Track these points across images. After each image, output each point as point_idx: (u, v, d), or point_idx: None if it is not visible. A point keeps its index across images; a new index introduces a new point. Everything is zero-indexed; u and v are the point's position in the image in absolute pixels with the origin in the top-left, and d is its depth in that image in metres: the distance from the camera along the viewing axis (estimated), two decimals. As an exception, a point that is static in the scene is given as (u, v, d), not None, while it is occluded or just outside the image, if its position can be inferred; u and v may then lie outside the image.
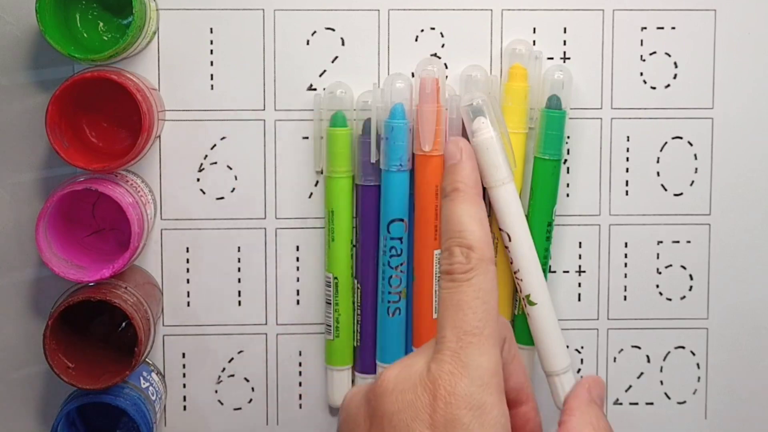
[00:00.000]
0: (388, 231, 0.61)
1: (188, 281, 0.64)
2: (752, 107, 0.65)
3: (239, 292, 0.64)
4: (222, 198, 0.64)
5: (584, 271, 0.65)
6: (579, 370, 0.66)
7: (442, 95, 0.61)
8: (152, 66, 0.63)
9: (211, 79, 0.63)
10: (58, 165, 0.62)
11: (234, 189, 0.64)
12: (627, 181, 0.65)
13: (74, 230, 0.62)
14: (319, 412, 0.66)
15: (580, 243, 0.65)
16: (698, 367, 0.66)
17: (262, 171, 0.64)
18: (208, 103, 0.63)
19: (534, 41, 0.63)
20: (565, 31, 0.64)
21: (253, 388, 0.65)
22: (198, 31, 0.63)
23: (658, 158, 0.65)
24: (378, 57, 0.63)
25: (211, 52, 0.63)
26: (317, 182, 0.64)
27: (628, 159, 0.65)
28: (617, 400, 0.66)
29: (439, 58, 0.63)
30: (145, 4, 0.59)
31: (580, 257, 0.65)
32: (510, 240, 0.61)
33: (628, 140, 0.64)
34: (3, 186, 0.63)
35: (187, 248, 0.64)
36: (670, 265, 0.65)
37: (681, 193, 0.65)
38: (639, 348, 0.66)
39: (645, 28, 0.64)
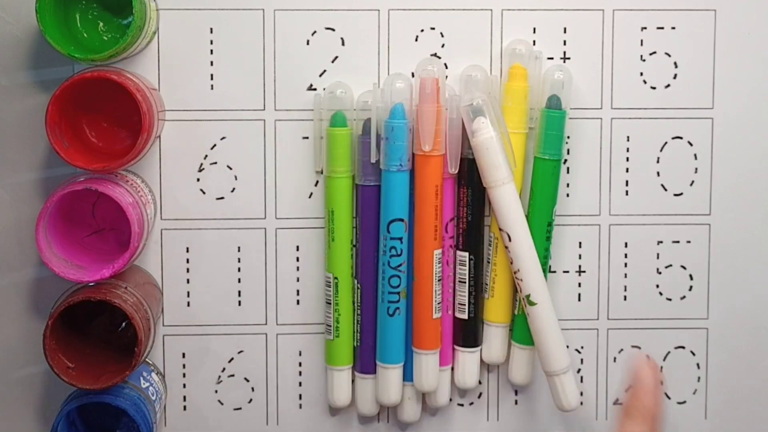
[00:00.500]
0: (388, 231, 0.61)
1: (188, 281, 0.64)
2: (752, 107, 0.65)
3: (239, 292, 0.64)
4: (222, 198, 0.64)
5: (584, 271, 0.65)
6: (579, 370, 0.66)
7: (442, 95, 0.61)
8: (152, 66, 0.63)
9: (211, 79, 0.63)
10: (58, 165, 0.62)
11: (234, 189, 0.64)
12: (627, 181, 0.65)
13: (74, 230, 0.62)
14: (319, 412, 0.66)
15: (580, 243, 0.65)
16: (698, 367, 0.66)
17: (262, 171, 0.64)
18: (208, 103, 0.63)
19: (534, 41, 0.63)
20: (565, 31, 0.64)
21: (253, 388, 0.65)
22: (198, 31, 0.63)
23: (658, 158, 0.65)
24: (378, 57, 0.63)
25: (211, 52, 0.63)
26: (317, 182, 0.64)
27: (628, 159, 0.65)
28: (617, 400, 0.66)
29: (439, 58, 0.63)
30: (145, 4, 0.59)
31: (580, 257, 0.65)
32: (510, 240, 0.61)
33: (628, 140, 0.64)
34: (3, 186, 0.63)
35: (187, 248, 0.64)
36: (670, 265, 0.65)
37: (681, 193, 0.65)
38: (639, 348, 0.66)
39: (645, 28, 0.64)
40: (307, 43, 0.63)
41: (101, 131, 0.62)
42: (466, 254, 0.63)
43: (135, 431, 0.61)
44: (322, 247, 0.64)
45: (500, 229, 0.62)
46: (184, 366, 0.65)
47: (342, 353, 0.63)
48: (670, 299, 0.66)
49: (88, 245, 0.62)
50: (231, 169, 0.64)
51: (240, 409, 0.65)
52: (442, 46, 0.63)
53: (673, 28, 0.64)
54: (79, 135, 0.61)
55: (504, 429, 0.66)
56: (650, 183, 0.65)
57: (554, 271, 0.65)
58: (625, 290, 0.66)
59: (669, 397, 0.66)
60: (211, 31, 0.63)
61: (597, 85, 0.64)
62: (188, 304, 0.64)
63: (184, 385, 0.65)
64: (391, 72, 0.63)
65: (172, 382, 0.65)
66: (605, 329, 0.66)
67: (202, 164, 0.63)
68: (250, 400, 0.65)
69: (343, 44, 0.63)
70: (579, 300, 0.66)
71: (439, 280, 0.62)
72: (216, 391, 0.65)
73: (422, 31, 0.63)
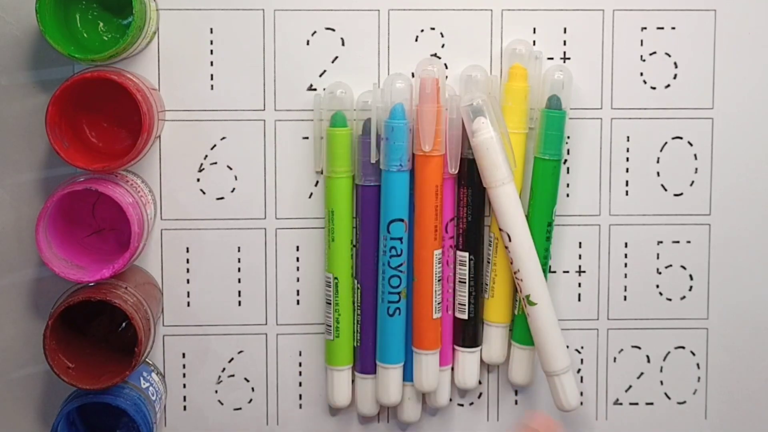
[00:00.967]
0: (388, 231, 0.61)
1: (188, 281, 0.64)
2: (752, 107, 0.65)
3: (239, 292, 0.64)
4: (222, 198, 0.64)
5: (584, 271, 0.65)
6: (579, 370, 0.66)
7: (442, 95, 0.61)
8: (152, 66, 0.63)
9: (211, 79, 0.63)
10: (58, 165, 0.62)
11: (234, 189, 0.64)
12: (627, 181, 0.65)
13: (74, 230, 0.62)
14: (319, 412, 0.66)
15: (580, 243, 0.65)
16: (698, 367, 0.66)
17: (262, 171, 0.64)
18: (208, 103, 0.63)
19: (534, 41, 0.63)
20: (565, 31, 0.64)
21: (253, 388, 0.65)
22: (198, 31, 0.63)
23: (658, 158, 0.65)
24: (378, 57, 0.63)
25: (211, 52, 0.63)
26: (317, 182, 0.64)
27: (628, 159, 0.65)
28: (617, 400, 0.66)
29: (439, 58, 0.63)
30: (145, 4, 0.59)
31: (580, 257, 0.65)
32: (510, 240, 0.61)
33: (628, 140, 0.64)
34: (3, 186, 0.63)
35: (187, 248, 0.64)
36: (670, 265, 0.65)
37: (681, 193, 0.65)
38: (639, 348, 0.66)
39: (645, 28, 0.64)
40: (307, 43, 0.63)
41: (101, 131, 0.62)
42: (466, 254, 0.63)
43: (135, 431, 0.61)
44: (322, 247, 0.64)
45: (500, 230, 0.62)
46: (184, 366, 0.65)
47: (342, 353, 0.63)
48: (670, 299, 0.66)
49: (88, 245, 0.62)
50: (231, 169, 0.64)
51: (240, 409, 0.65)
52: (442, 46, 0.63)
53: (673, 28, 0.64)
54: (79, 135, 0.61)
55: (504, 429, 0.66)
56: (650, 183, 0.65)
57: (554, 271, 0.65)
58: (625, 290, 0.66)
59: (669, 397, 0.66)
60: (211, 31, 0.63)
61: (597, 85, 0.64)
62: (188, 304, 0.64)
63: (184, 385, 0.65)
64: (391, 72, 0.63)
65: (172, 382, 0.65)
66: (605, 329, 0.66)
67: (202, 164, 0.63)
68: (250, 400, 0.65)
69: (343, 44, 0.63)
70: (579, 300, 0.66)
71: (439, 281, 0.62)
72: (216, 391, 0.65)
73: (422, 31, 0.63)
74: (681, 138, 0.65)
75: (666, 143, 0.65)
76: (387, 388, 0.63)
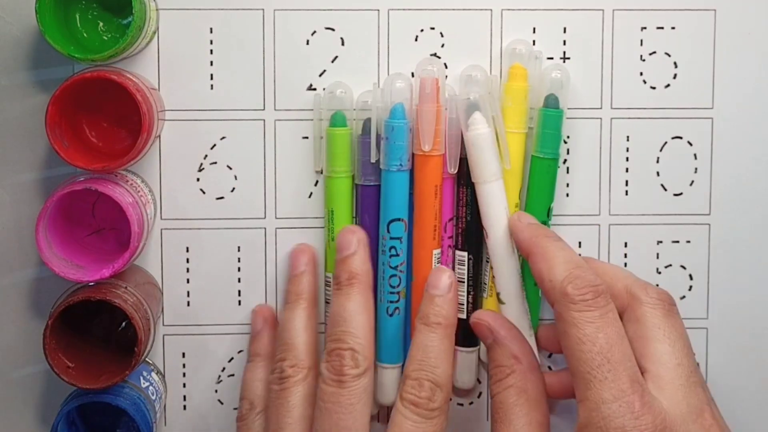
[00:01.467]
0: (388, 231, 0.61)
1: (188, 281, 0.64)
2: (752, 107, 0.65)
3: (239, 292, 0.64)
4: (222, 198, 0.64)
5: (584, 271, 0.65)
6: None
7: (442, 95, 0.61)
8: (152, 66, 0.63)
9: (211, 79, 0.63)
10: (58, 165, 0.62)
11: (234, 189, 0.64)
12: (627, 181, 0.65)
13: (74, 230, 0.62)
14: (319, 412, 0.66)
15: (580, 243, 0.65)
16: (698, 367, 0.66)
17: (262, 171, 0.64)
18: (208, 103, 0.63)
19: (534, 41, 0.63)
20: (565, 31, 0.64)
21: (253, 388, 0.65)
22: (198, 31, 0.63)
23: (658, 158, 0.65)
24: (378, 57, 0.63)
25: (211, 52, 0.63)
26: (317, 182, 0.64)
27: (627, 159, 0.65)
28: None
29: (439, 58, 0.63)
30: (145, 4, 0.59)
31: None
32: (487, 237, 0.61)
33: (627, 140, 0.64)
34: (3, 186, 0.63)
35: (187, 248, 0.64)
36: (670, 265, 0.65)
37: (681, 193, 0.65)
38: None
39: (645, 28, 0.64)
40: (307, 43, 0.63)
41: (101, 131, 0.62)
42: (465, 254, 0.63)
43: (135, 431, 0.61)
44: (322, 247, 0.64)
45: (482, 226, 0.62)
46: (184, 366, 0.65)
47: None
48: (670, 299, 0.66)
49: (88, 245, 0.62)
50: (231, 169, 0.64)
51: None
52: (442, 46, 0.63)
53: (673, 28, 0.64)
54: (79, 135, 0.61)
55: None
56: (650, 183, 0.65)
57: (554, 271, 0.65)
58: (625, 290, 0.65)
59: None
60: (211, 31, 0.63)
61: (597, 85, 0.64)
62: (188, 304, 0.64)
63: (184, 385, 0.65)
64: (391, 72, 0.63)
65: (172, 382, 0.65)
66: (605, 329, 0.66)
67: (202, 164, 0.63)
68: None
69: (343, 44, 0.63)
70: (579, 300, 0.65)
71: None
72: (216, 391, 0.65)
73: (422, 31, 0.63)
74: (681, 138, 0.65)
75: (666, 143, 0.65)
76: (386, 387, 0.63)
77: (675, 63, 0.64)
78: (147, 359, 0.64)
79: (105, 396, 0.59)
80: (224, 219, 0.64)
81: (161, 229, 0.64)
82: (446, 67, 0.63)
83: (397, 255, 0.61)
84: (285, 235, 0.64)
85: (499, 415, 0.57)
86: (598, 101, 0.64)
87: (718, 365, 0.66)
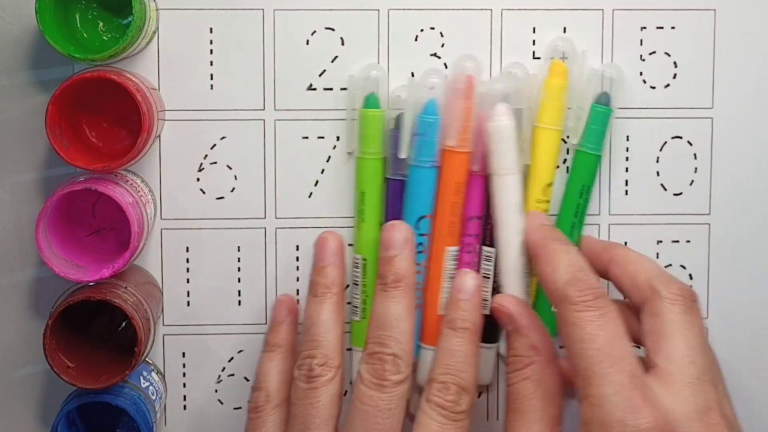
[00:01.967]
0: (417, 227, 0.61)
1: (188, 281, 0.64)
2: (752, 107, 0.65)
3: (239, 292, 0.64)
4: (222, 198, 0.64)
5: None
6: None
7: (475, 93, 0.61)
8: (152, 66, 0.63)
9: (211, 79, 0.63)
10: (58, 165, 0.62)
11: (234, 189, 0.64)
12: (627, 181, 0.65)
13: (74, 230, 0.62)
14: (319, 412, 0.66)
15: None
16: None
17: (262, 171, 0.64)
18: (208, 103, 0.63)
19: (534, 41, 0.63)
20: (565, 31, 0.64)
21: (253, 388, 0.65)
22: (198, 31, 0.63)
23: (658, 158, 0.65)
24: (378, 57, 0.63)
25: (211, 52, 0.63)
26: (317, 182, 0.64)
27: (627, 159, 0.65)
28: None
29: (439, 57, 0.63)
30: (145, 4, 0.59)
31: (580, 257, 0.65)
32: (498, 231, 0.61)
33: (627, 140, 0.64)
34: (3, 186, 0.63)
35: (187, 248, 0.64)
36: (670, 265, 0.65)
37: (681, 193, 0.65)
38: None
39: (645, 28, 0.64)
40: (307, 43, 0.63)
41: (101, 131, 0.62)
42: (493, 250, 0.63)
43: (135, 431, 0.61)
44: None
45: (493, 217, 0.62)
46: (184, 366, 0.65)
47: (365, 334, 0.63)
48: (670, 299, 0.66)
49: (88, 245, 0.62)
50: (231, 168, 0.64)
51: (240, 408, 0.65)
52: (442, 46, 0.63)
53: (673, 27, 0.64)
54: (79, 135, 0.61)
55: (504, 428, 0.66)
56: (650, 183, 0.65)
57: (554, 271, 0.65)
58: (625, 290, 0.65)
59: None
60: (211, 31, 0.63)
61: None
62: (188, 304, 0.64)
63: (184, 385, 0.65)
64: (391, 72, 0.63)
65: (172, 382, 0.65)
66: (605, 329, 0.66)
67: (202, 164, 0.63)
68: (250, 399, 0.65)
69: (342, 44, 0.63)
70: (579, 300, 0.65)
71: (451, 277, 0.62)
72: (216, 391, 0.65)
73: (422, 31, 0.63)
74: (681, 138, 0.65)
75: (666, 143, 0.65)
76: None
77: (675, 63, 0.64)
78: (147, 359, 0.64)
79: (105, 396, 0.59)
80: (224, 219, 0.64)
81: (161, 229, 0.64)
82: (446, 67, 0.63)
83: (423, 252, 0.61)
84: (285, 235, 0.64)
85: (515, 405, 0.57)
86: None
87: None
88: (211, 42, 0.63)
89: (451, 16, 0.63)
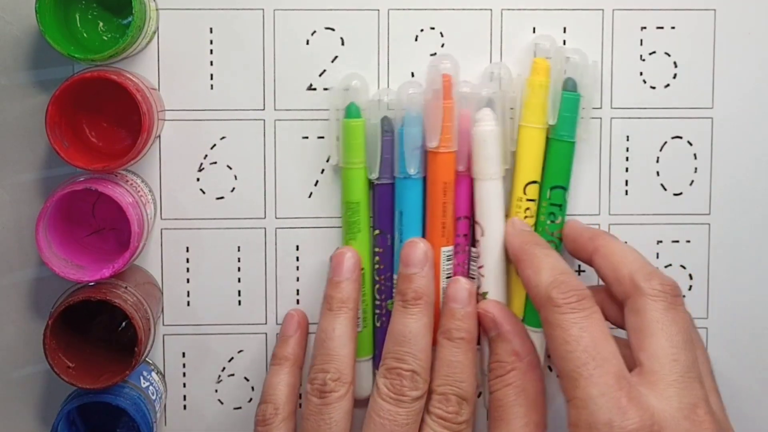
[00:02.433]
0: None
1: (188, 281, 0.64)
2: (752, 107, 0.65)
3: (239, 291, 0.64)
4: (222, 198, 0.64)
5: (584, 271, 0.65)
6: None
7: (454, 92, 0.61)
8: (152, 66, 0.63)
9: (211, 79, 0.63)
10: (58, 165, 0.62)
11: (234, 189, 0.64)
12: (627, 181, 0.65)
13: (74, 230, 0.62)
14: (319, 412, 0.66)
15: (580, 243, 0.65)
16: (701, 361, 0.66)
17: (262, 171, 0.64)
18: (208, 103, 0.63)
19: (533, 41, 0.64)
20: (564, 31, 0.64)
21: (253, 388, 0.65)
22: (198, 31, 0.63)
23: (658, 158, 0.65)
24: (378, 57, 0.63)
25: (211, 52, 0.63)
26: (317, 182, 0.64)
27: (627, 159, 0.65)
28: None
29: (439, 57, 0.63)
30: (145, 4, 0.59)
31: (580, 257, 0.65)
32: (483, 235, 0.61)
33: (627, 140, 0.64)
34: (3, 186, 0.63)
35: (187, 248, 0.64)
36: (670, 265, 0.65)
37: (681, 193, 0.65)
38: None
39: (645, 27, 0.64)
40: (307, 43, 0.63)
41: (101, 131, 0.62)
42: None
43: (135, 431, 0.61)
44: (323, 247, 0.64)
45: (476, 222, 0.62)
46: (184, 366, 0.65)
47: (365, 344, 0.63)
48: (670, 299, 0.66)
49: (88, 245, 0.62)
50: (231, 168, 0.64)
51: (240, 408, 0.65)
52: (442, 46, 0.63)
53: (673, 27, 0.64)
54: (79, 135, 0.61)
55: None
56: (650, 183, 0.65)
57: (554, 271, 0.65)
58: (625, 290, 0.65)
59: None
60: (211, 31, 0.63)
61: (596, 85, 0.64)
62: (188, 304, 0.64)
63: (184, 385, 0.65)
64: (391, 72, 0.63)
65: (171, 382, 0.65)
66: (605, 329, 0.66)
67: (202, 164, 0.63)
68: (250, 399, 0.65)
69: (343, 44, 0.63)
70: (579, 300, 0.65)
71: (448, 277, 0.62)
72: (216, 391, 0.65)
73: (422, 31, 0.63)
74: (681, 137, 0.65)
75: (666, 143, 0.65)
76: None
77: (675, 63, 0.64)
78: (147, 359, 0.64)
79: (105, 396, 0.59)
80: (224, 219, 0.64)
81: (161, 229, 0.64)
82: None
83: None
84: (285, 235, 0.64)
85: (498, 413, 0.57)
86: (598, 101, 0.64)
87: (718, 365, 0.66)
88: (211, 42, 0.63)
89: (451, 16, 0.63)
